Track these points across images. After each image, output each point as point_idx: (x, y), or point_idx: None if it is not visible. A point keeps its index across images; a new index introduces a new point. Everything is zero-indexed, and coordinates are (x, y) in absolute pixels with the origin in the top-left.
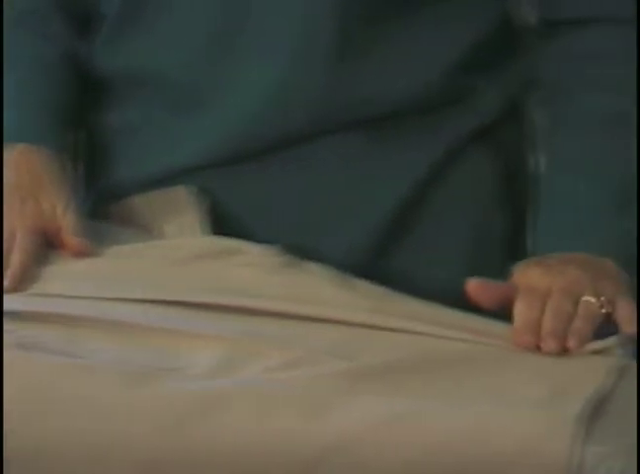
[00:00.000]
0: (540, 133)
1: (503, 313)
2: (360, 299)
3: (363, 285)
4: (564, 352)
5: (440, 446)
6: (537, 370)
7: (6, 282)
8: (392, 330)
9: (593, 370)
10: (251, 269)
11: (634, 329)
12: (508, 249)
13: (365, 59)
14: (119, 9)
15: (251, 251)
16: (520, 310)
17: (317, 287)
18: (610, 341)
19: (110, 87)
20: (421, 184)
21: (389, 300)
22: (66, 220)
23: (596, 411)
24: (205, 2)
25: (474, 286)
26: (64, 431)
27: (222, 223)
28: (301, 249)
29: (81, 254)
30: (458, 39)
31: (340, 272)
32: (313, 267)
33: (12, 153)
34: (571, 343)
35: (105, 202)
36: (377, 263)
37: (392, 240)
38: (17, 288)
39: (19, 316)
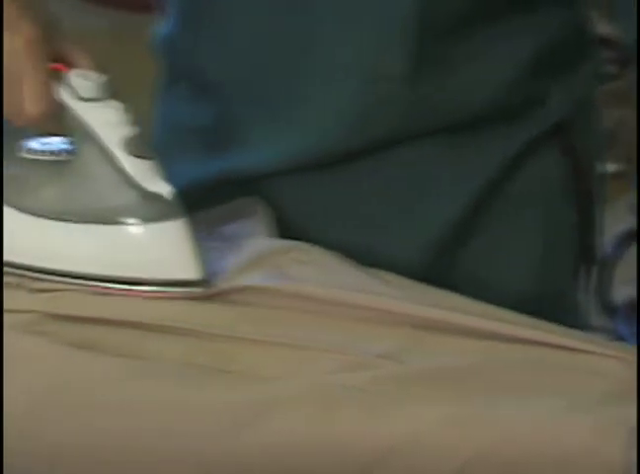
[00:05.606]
0: None
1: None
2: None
3: (431, 290)
4: None
5: (495, 448)
6: (594, 374)
7: None
8: (454, 329)
9: None
10: (309, 267)
11: None
12: (578, 250)
13: (439, 71)
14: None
15: (311, 251)
16: None
17: (378, 287)
18: None
19: (178, 79)
20: (491, 185)
21: (454, 304)
22: None
23: None
24: (281, 11)
25: None
26: (115, 430)
27: (293, 228)
28: (369, 251)
29: None
30: (529, 45)
31: (406, 275)
32: (375, 271)
33: None
34: None
35: None
36: (445, 264)
37: (461, 241)
38: None
39: (78, 318)
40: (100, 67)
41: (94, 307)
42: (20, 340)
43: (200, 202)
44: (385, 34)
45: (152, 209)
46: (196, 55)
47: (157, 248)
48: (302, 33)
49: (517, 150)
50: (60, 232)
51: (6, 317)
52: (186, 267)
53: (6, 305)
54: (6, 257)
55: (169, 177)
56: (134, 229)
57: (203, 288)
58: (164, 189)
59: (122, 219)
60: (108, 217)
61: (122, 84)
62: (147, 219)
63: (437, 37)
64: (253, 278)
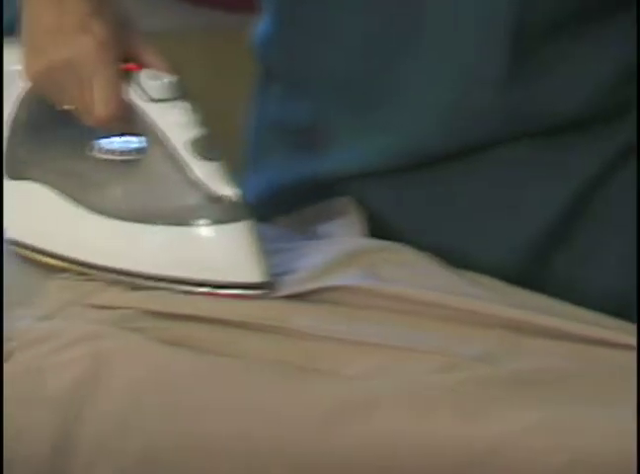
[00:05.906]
0: None
1: None
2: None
3: (523, 293)
4: None
5: (591, 453)
6: None
7: None
8: (545, 331)
9: None
10: (401, 268)
11: None
12: None
13: (537, 74)
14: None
15: (403, 251)
16: None
17: (469, 289)
18: None
19: (273, 79)
20: (588, 187)
21: (545, 306)
22: None
23: None
24: (378, 10)
25: None
26: (212, 434)
27: (385, 228)
28: (462, 252)
29: None
30: (623, 53)
31: (499, 277)
32: (468, 272)
33: None
34: None
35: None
36: (540, 267)
37: (556, 243)
38: None
39: (172, 315)
40: (196, 67)
41: (186, 305)
42: (117, 336)
43: (295, 201)
44: (484, 37)
45: (217, 211)
46: (291, 55)
47: (221, 250)
48: (403, 35)
49: (614, 152)
50: (123, 231)
51: (102, 313)
52: (248, 270)
53: (102, 301)
54: (70, 254)
55: (264, 176)
56: (199, 231)
57: (266, 292)
58: (230, 191)
59: (187, 220)
60: (172, 218)
61: (219, 83)
62: (212, 221)
63: (535, 40)
64: (344, 278)
